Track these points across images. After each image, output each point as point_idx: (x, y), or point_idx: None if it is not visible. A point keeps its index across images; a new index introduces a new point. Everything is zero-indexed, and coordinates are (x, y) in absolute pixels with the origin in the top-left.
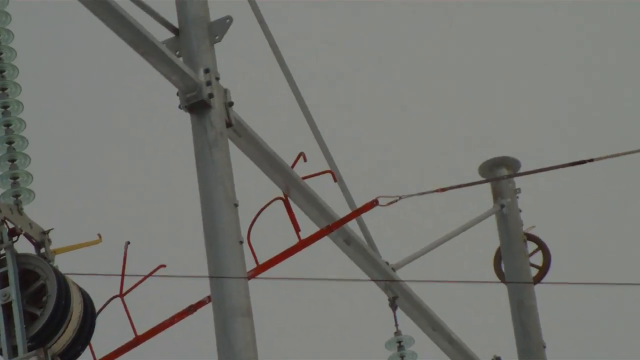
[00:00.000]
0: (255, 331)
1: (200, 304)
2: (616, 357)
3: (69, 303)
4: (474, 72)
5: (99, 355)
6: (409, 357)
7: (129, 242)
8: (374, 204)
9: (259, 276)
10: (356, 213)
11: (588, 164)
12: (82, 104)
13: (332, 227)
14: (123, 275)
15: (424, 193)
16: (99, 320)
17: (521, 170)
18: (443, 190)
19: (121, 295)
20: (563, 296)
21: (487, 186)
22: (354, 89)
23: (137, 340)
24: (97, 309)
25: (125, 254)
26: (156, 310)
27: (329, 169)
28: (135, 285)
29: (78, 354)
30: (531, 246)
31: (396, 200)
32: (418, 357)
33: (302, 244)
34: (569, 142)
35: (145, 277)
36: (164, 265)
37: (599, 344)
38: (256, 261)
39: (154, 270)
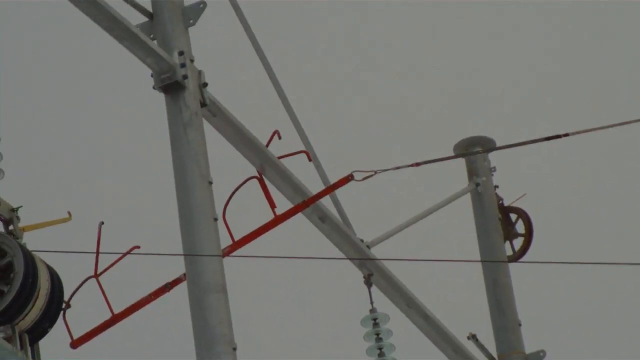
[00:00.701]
0: (230, 308)
1: (177, 281)
2: (594, 335)
3: (36, 280)
4: (451, 47)
5: (75, 335)
6: (384, 334)
7: (102, 223)
8: (349, 178)
9: (234, 254)
10: (332, 188)
11: (563, 138)
12: (54, 82)
13: (307, 202)
14: (97, 255)
15: (399, 167)
16: (75, 300)
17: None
18: (418, 164)
19: (96, 275)
20: (539, 275)
21: (463, 165)
22: (328, 64)
23: (114, 319)
24: (65, 287)
25: (99, 234)
26: (132, 290)
27: (303, 147)
28: (110, 266)
29: (46, 331)
30: (514, 218)
31: (371, 175)
32: (393, 334)
33: (278, 219)
34: (545, 120)
35: (120, 257)
36: (138, 247)
37: (576, 322)
38: (232, 238)
39: (129, 251)
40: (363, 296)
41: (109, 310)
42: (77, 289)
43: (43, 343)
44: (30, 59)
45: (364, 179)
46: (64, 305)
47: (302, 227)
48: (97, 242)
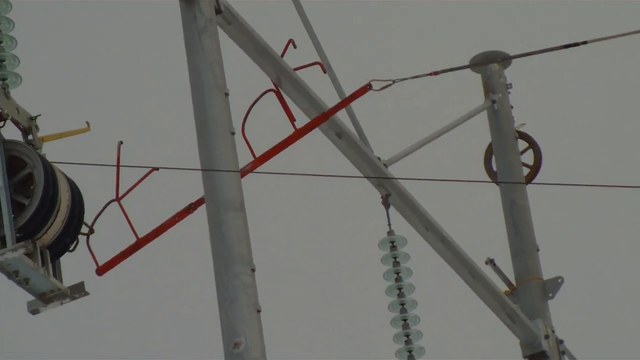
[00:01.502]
0: (248, 225)
1: (201, 201)
2: (612, 261)
3: (56, 192)
4: None
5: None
6: (401, 258)
7: (121, 142)
8: (367, 87)
9: (248, 169)
10: (351, 98)
11: (582, 46)
12: None
13: (327, 114)
14: (118, 178)
15: (417, 77)
16: (97, 226)
17: (513, 64)
18: (436, 73)
19: (117, 199)
20: (556, 197)
21: (479, 82)
22: None
23: (139, 243)
24: (84, 200)
25: (119, 154)
26: (152, 210)
27: (318, 59)
28: (131, 189)
29: (67, 247)
30: (522, 145)
31: (389, 85)
32: (411, 258)
33: (298, 133)
34: (564, 31)
35: (140, 179)
36: (156, 168)
37: (594, 246)
38: (253, 154)
39: (148, 174)
40: (381, 216)
41: (131, 234)
42: (100, 213)
43: (66, 271)
44: None
45: (382, 88)
46: (87, 231)
47: (319, 143)
48: (117, 163)
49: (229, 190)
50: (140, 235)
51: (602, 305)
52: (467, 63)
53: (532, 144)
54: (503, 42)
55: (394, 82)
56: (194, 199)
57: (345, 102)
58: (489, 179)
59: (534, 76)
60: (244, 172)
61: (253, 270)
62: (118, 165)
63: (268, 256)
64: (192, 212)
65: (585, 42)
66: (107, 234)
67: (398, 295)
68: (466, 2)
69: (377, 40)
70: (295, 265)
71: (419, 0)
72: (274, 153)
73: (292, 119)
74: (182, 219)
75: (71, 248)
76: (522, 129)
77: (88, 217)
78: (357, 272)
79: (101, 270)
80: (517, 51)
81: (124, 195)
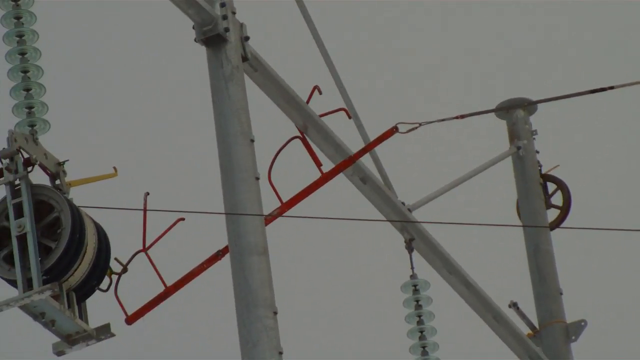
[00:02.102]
0: (272, 268)
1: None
2: (635, 301)
3: (83, 236)
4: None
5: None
6: (424, 301)
7: (148, 193)
8: (393, 130)
9: (276, 214)
10: (377, 141)
11: (608, 91)
12: (98, 37)
13: (353, 157)
14: (144, 229)
15: (444, 120)
16: (126, 276)
17: (538, 110)
18: (462, 117)
19: (144, 249)
20: (580, 241)
21: (504, 128)
22: (372, 21)
23: (168, 292)
24: (111, 243)
25: (145, 206)
26: (178, 259)
27: (342, 104)
28: (157, 240)
29: (93, 289)
30: (552, 187)
31: (416, 127)
32: (433, 301)
33: (325, 177)
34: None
35: (167, 230)
36: (182, 219)
37: (618, 292)
38: (280, 199)
39: (174, 224)
40: (404, 260)
41: (160, 283)
42: (128, 262)
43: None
44: (73, 8)
45: (409, 131)
46: (115, 284)
47: (343, 189)
48: (144, 214)
49: (253, 234)
50: (168, 284)
51: (625, 348)
52: (493, 107)
53: (561, 186)
54: (529, 87)
55: (420, 125)
56: (219, 246)
57: (372, 145)
58: (514, 223)
59: (561, 120)
60: (272, 217)
61: (275, 313)
62: (145, 216)
63: (291, 299)
64: (220, 259)
65: (612, 87)
66: (133, 282)
67: (420, 337)
68: (493, 47)
69: (402, 84)
70: (318, 307)
71: (444, 43)
72: (301, 198)
73: (318, 164)
74: (210, 265)
75: (105, 288)
76: (553, 172)
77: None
78: (379, 315)
79: (131, 320)
80: (544, 96)
81: (151, 246)
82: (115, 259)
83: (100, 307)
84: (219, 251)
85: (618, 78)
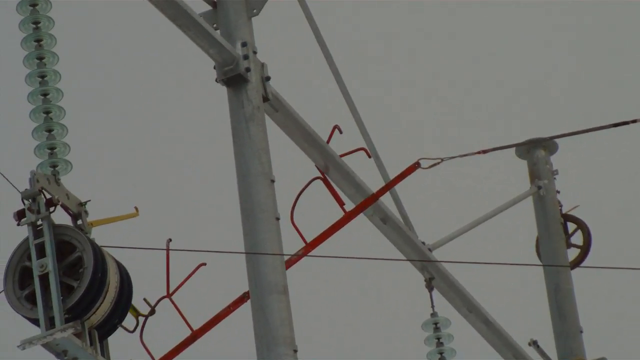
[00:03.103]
0: (291, 309)
1: None
2: None
3: (105, 275)
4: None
5: (157, 356)
6: (445, 338)
7: (170, 240)
8: (416, 166)
9: (301, 254)
10: (400, 177)
11: (631, 125)
12: (118, 76)
13: (377, 194)
14: (168, 274)
15: (466, 155)
16: (150, 321)
17: (559, 151)
18: (485, 152)
19: (169, 295)
20: (600, 279)
21: (524, 168)
22: (392, 60)
23: (195, 335)
24: (133, 282)
25: (168, 253)
26: (200, 303)
27: (362, 143)
28: (180, 285)
29: (115, 327)
30: (572, 227)
31: (438, 163)
32: (454, 339)
33: (348, 216)
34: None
35: (189, 275)
36: (204, 264)
37: (638, 329)
38: (304, 239)
39: (196, 269)
40: (424, 298)
41: (185, 328)
42: (153, 308)
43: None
44: (94, 48)
45: (431, 166)
46: (142, 326)
47: (363, 230)
48: (166, 260)
49: (273, 274)
50: (195, 327)
51: None
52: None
53: (581, 226)
54: (551, 125)
55: (442, 160)
56: (238, 288)
57: (395, 182)
58: (534, 262)
59: (582, 159)
60: (297, 258)
61: (295, 351)
62: (167, 263)
63: (312, 337)
64: (246, 301)
65: (634, 121)
66: (155, 326)
67: None
68: (515, 88)
69: (421, 121)
70: (339, 346)
71: (462, 83)
72: (325, 237)
73: (341, 203)
74: (236, 308)
75: (132, 330)
76: (573, 212)
77: (137, 299)
78: (400, 353)
79: None
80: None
81: (174, 291)
82: (144, 299)
83: (125, 351)
84: (245, 293)
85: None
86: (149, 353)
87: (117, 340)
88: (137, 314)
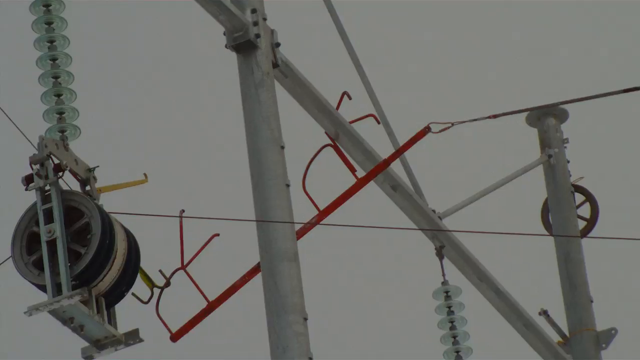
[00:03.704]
0: (301, 276)
1: None
2: None
3: (113, 242)
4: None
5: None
6: (456, 307)
7: (183, 210)
8: (426, 130)
9: (314, 222)
10: (410, 142)
11: None
12: (128, 41)
13: (388, 160)
14: (182, 247)
15: (476, 119)
16: (165, 293)
17: (569, 119)
18: (495, 116)
19: (183, 267)
20: (611, 250)
21: (535, 136)
22: (402, 27)
23: (211, 306)
24: (140, 250)
25: (181, 223)
26: (212, 270)
27: (372, 109)
28: (194, 257)
29: (122, 295)
30: (579, 198)
31: (449, 127)
32: (465, 307)
33: (360, 183)
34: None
35: (203, 246)
36: (217, 234)
37: None
38: (317, 207)
39: (210, 240)
40: (435, 267)
41: (201, 299)
42: (168, 280)
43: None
44: (103, 14)
45: (441, 131)
46: (157, 298)
47: (374, 197)
48: (180, 232)
49: (283, 241)
50: (211, 298)
51: None
52: (525, 113)
53: (589, 198)
54: (562, 93)
55: (452, 124)
56: (250, 257)
57: (406, 147)
58: (544, 232)
59: (592, 128)
60: (310, 226)
61: (305, 319)
62: (181, 234)
63: (322, 305)
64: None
65: None
66: (167, 298)
67: (453, 343)
68: (525, 52)
69: (432, 87)
70: (350, 314)
71: (475, 49)
72: (337, 205)
73: (352, 170)
74: (251, 277)
75: (146, 301)
76: (579, 183)
77: (149, 269)
78: (411, 321)
79: (175, 337)
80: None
81: (189, 263)
82: (160, 271)
83: (140, 324)
84: (259, 263)
85: None
86: (166, 326)
87: (132, 312)
88: (152, 285)
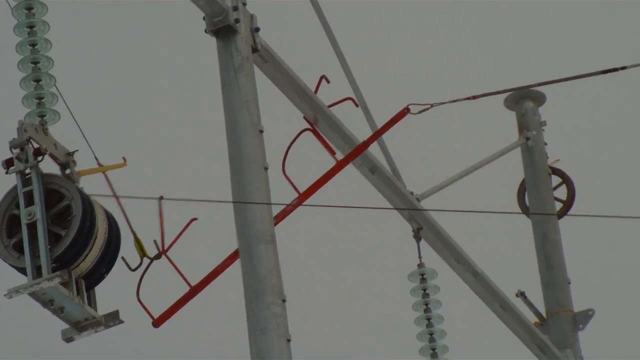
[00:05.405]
0: (280, 259)
1: None
2: None
3: (93, 224)
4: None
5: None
6: (431, 290)
7: (162, 197)
8: (405, 112)
9: (295, 204)
10: (389, 123)
11: (620, 72)
12: (108, 26)
13: (367, 141)
14: (162, 232)
15: (455, 100)
16: (145, 279)
17: (547, 103)
18: (475, 97)
19: (164, 252)
20: (588, 230)
21: (513, 119)
22: (384, 11)
23: (194, 291)
24: (121, 232)
25: (161, 209)
26: (194, 258)
27: (350, 93)
28: (174, 242)
29: (102, 277)
30: (555, 180)
31: (427, 108)
32: (441, 290)
33: (340, 165)
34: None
35: (182, 231)
36: (195, 219)
37: (626, 280)
38: (297, 190)
39: (188, 224)
40: (412, 249)
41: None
42: (147, 268)
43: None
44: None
45: (420, 112)
46: (145, 268)
47: (352, 180)
48: (160, 218)
49: (261, 223)
50: (193, 283)
51: (633, 337)
52: (501, 100)
53: (566, 180)
54: (539, 75)
55: (431, 105)
56: (229, 241)
57: (384, 128)
58: (520, 212)
59: (570, 110)
60: (291, 208)
61: (284, 300)
62: (161, 220)
63: (300, 286)
64: None
65: (624, 68)
66: (149, 285)
67: (427, 325)
68: (504, 34)
69: (412, 65)
70: (326, 295)
71: (456, 28)
72: (317, 187)
73: (332, 152)
74: (233, 262)
75: (134, 268)
76: (556, 165)
77: (125, 252)
78: (386, 303)
79: (158, 322)
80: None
81: (168, 248)
82: (155, 242)
83: (122, 308)
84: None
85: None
86: (148, 312)
87: (114, 298)
88: (143, 253)
